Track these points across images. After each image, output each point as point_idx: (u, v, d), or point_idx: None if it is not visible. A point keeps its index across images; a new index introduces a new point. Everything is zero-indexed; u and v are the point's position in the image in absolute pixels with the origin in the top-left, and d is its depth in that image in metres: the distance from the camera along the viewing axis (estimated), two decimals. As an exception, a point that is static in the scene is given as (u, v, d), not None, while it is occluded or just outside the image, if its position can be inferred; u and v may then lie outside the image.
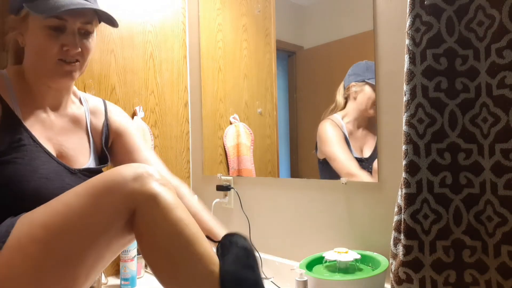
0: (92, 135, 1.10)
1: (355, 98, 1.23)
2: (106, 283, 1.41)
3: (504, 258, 0.78)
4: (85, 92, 1.46)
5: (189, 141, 1.81)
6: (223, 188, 1.56)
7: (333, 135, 1.29)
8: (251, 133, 1.58)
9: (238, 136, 1.61)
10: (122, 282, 1.37)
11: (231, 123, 1.63)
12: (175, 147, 1.76)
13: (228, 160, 1.63)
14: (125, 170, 0.82)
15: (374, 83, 1.16)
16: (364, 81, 1.20)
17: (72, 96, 1.08)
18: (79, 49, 0.96)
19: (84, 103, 1.12)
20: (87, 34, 0.99)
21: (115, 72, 1.56)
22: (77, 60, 0.98)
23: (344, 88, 1.26)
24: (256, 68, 1.55)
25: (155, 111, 1.69)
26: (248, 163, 1.58)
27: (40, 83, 0.98)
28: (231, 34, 1.64)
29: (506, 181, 0.77)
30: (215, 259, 0.81)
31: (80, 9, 0.94)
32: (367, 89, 1.19)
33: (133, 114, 1.60)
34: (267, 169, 1.51)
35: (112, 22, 1.03)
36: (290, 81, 1.44)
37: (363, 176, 1.20)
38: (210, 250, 0.82)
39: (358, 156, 1.23)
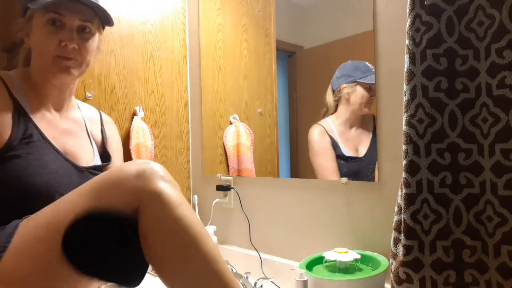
0: (92, 137, 1.13)
1: (347, 100, 1.23)
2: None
3: (504, 258, 0.78)
4: (85, 92, 1.46)
5: (189, 141, 1.81)
6: (223, 188, 1.56)
7: (318, 146, 1.30)
8: (251, 133, 1.58)
9: (238, 136, 1.61)
10: (122, 282, 1.37)
11: (231, 123, 1.63)
12: (175, 147, 1.76)
13: (228, 160, 1.63)
14: (128, 167, 0.81)
15: (365, 82, 1.18)
16: (355, 81, 1.21)
17: (72, 101, 1.12)
18: (76, 46, 0.98)
19: (81, 109, 1.16)
20: (87, 33, 1.01)
21: (115, 72, 1.56)
22: (75, 58, 0.99)
23: (334, 91, 1.26)
24: (256, 68, 1.55)
25: (155, 111, 1.69)
26: (248, 163, 1.58)
27: (44, 81, 1.01)
28: (231, 34, 1.64)
29: (506, 181, 0.77)
30: (220, 258, 0.80)
31: (77, 4, 0.97)
32: (359, 89, 1.20)
33: (133, 114, 1.60)
34: (267, 169, 1.51)
35: (107, 19, 1.05)
36: (290, 81, 1.44)
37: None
38: (214, 248, 0.81)
39: (353, 155, 1.22)
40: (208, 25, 1.72)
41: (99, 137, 1.16)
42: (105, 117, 1.23)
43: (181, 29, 1.80)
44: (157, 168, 0.82)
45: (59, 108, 1.06)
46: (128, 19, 1.61)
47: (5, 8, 1.58)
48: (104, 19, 1.06)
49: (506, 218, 0.77)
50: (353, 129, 1.23)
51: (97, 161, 1.10)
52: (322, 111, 1.29)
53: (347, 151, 1.24)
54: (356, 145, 1.22)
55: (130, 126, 1.56)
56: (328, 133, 1.27)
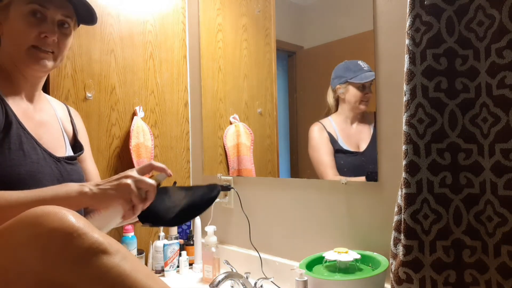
0: (63, 128, 1.14)
1: (343, 99, 1.27)
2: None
3: (504, 258, 0.78)
4: (85, 92, 1.46)
5: (189, 141, 1.81)
6: (223, 188, 1.55)
7: (316, 142, 1.33)
8: (251, 133, 1.58)
9: (238, 136, 1.61)
10: (122, 282, 1.37)
11: (231, 123, 1.63)
12: (175, 147, 1.76)
13: (228, 160, 1.63)
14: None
15: (356, 81, 1.21)
16: (346, 81, 1.24)
17: (41, 94, 1.12)
18: (56, 39, 0.99)
19: (50, 102, 1.16)
20: (66, 28, 1.03)
21: (115, 72, 1.56)
22: (52, 51, 1.00)
23: (332, 91, 1.29)
24: (256, 68, 1.55)
25: (155, 111, 1.69)
26: (248, 163, 1.58)
27: (16, 71, 1.01)
28: (231, 34, 1.64)
29: (506, 181, 0.77)
30: None
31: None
32: (351, 89, 1.24)
33: (133, 114, 1.60)
34: (267, 169, 1.51)
35: (91, 17, 1.06)
36: (290, 81, 1.44)
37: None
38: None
39: (354, 150, 1.24)
40: (208, 25, 1.72)
41: (70, 129, 1.17)
42: (72, 110, 1.24)
43: (181, 29, 1.80)
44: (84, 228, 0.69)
45: (31, 99, 1.06)
46: (128, 19, 1.61)
47: None
48: (85, 17, 1.07)
49: (506, 218, 0.77)
50: (354, 125, 1.26)
51: (70, 152, 1.11)
52: (324, 111, 1.31)
53: (347, 146, 1.26)
54: (358, 141, 1.24)
55: (130, 126, 1.56)
56: (327, 130, 1.30)
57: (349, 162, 1.25)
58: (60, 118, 1.15)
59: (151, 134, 1.62)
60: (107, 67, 1.54)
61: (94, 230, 0.67)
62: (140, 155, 1.55)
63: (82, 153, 1.16)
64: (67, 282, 0.64)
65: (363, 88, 1.21)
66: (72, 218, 0.66)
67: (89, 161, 1.22)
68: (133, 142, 1.53)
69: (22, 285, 0.65)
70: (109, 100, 1.54)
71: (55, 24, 0.99)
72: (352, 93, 1.24)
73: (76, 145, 1.16)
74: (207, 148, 1.72)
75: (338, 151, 1.27)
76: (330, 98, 1.30)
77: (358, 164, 1.23)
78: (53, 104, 1.17)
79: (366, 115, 1.22)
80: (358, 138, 1.24)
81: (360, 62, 1.20)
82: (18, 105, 0.99)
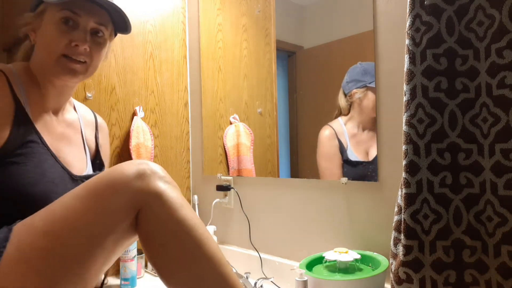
0: (86, 143, 1.09)
1: (360, 104, 1.20)
2: (106, 283, 1.41)
3: (504, 258, 0.78)
4: (85, 92, 1.46)
5: (189, 141, 1.81)
6: (223, 188, 1.56)
7: (326, 150, 1.27)
8: (251, 133, 1.58)
9: (238, 136, 1.61)
10: (122, 282, 1.37)
11: (231, 123, 1.63)
12: (175, 147, 1.76)
13: (228, 160, 1.63)
14: (128, 168, 0.79)
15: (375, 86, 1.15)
16: (365, 86, 1.17)
17: (69, 102, 1.08)
18: (87, 48, 0.94)
19: (77, 110, 1.11)
20: (99, 37, 0.97)
21: (115, 72, 1.56)
22: (84, 61, 0.95)
23: (345, 95, 1.23)
24: (256, 68, 1.55)
25: (155, 111, 1.69)
26: (248, 163, 1.58)
27: (45, 80, 0.96)
28: (231, 34, 1.64)
29: (506, 181, 0.77)
30: (224, 261, 0.79)
31: (95, 6, 0.93)
32: (370, 94, 1.16)
33: (133, 114, 1.60)
34: (267, 169, 1.51)
35: (125, 25, 1.01)
36: (290, 81, 1.44)
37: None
38: (219, 251, 0.79)
39: (362, 160, 1.20)
40: (208, 25, 1.72)
41: (93, 142, 1.12)
42: (100, 120, 1.19)
43: (181, 29, 1.80)
44: (157, 168, 0.80)
45: (57, 110, 1.02)
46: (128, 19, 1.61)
47: (5, 7, 1.58)
48: (121, 25, 1.02)
49: (506, 218, 0.77)
50: (366, 131, 1.20)
51: (89, 170, 1.06)
52: (335, 113, 1.26)
53: (355, 156, 1.21)
54: (367, 148, 1.19)
55: (130, 126, 1.56)
56: (338, 137, 1.24)
57: (356, 172, 1.21)
58: (84, 131, 1.09)
59: (151, 134, 1.62)
60: (107, 67, 1.53)
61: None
62: (140, 155, 1.55)
63: (102, 171, 1.08)
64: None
65: None
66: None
67: None
68: (133, 142, 1.53)
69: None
70: (109, 100, 1.54)
71: (87, 32, 0.94)
72: (371, 99, 1.16)
73: (96, 162, 1.11)
74: (207, 148, 1.72)
75: (346, 161, 1.23)
76: (343, 102, 1.23)
77: (364, 174, 1.19)
78: (81, 112, 1.12)
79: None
80: (368, 145, 1.19)
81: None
82: (41, 118, 0.94)
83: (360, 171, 1.20)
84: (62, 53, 0.92)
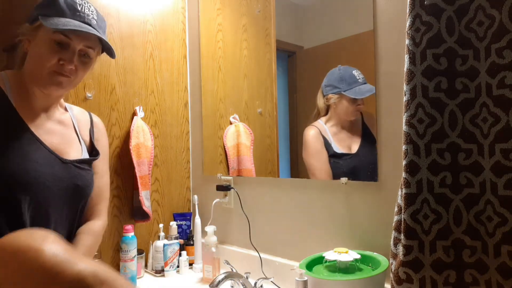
0: (80, 134, 1.16)
1: (335, 109, 1.26)
2: None
3: (504, 258, 0.78)
4: (85, 92, 1.46)
5: (189, 141, 1.81)
6: (223, 188, 1.56)
7: (312, 148, 1.32)
8: (251, 133, 1.58)
9: (238, 136, 1.61)
10: (122, 282, 1.37)
11: (231, 123, 1.63)
12: (175, 147, 1.76)
13: (228, 160, 1.63)
14: None
15: (349, 95, 1.21)
16: (340, 93, 1.23)
17: (59, 104, 1.15)
18: (73, 67, 1.03)
19: (69, 111, 1.18)
20: (86, 57, 1.06)
21: (115, 72, 1.56)
22: (70, 76, 1.04)
23: (324, 96, 1.28)
24: (256, 68, 1.55)
25: (155, 111, 1.69)
26: (248, 163, 1.58)
27: (34, 88, 1.05)
28: (231, 34, 1.64)
29: (506, 181, 0.77)
30: None
31: (85, 33, 1.02)
32: (344, 102, 1.23)
33: (133, 114, 1.60)
34: (267, 169, 1.51)
35: (111, 52, 1.12)
36: (290, 81, 1.44)
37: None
38: None
39: (347, 152, 1.25)
40: (208, 25, 1.72)
41: (87, 136, 1.19)
42: (95, 119, 1.25)
43: (181, 29, 1.80)
44: None
45: (45, 110, 1.08)
46: (128, 19, 1.61)
47: (4, 9, 1.58)
48: (107, 51, 1.12)
49: (506, 218, 0.77)
50: (345, 131, 1.26)
51: (85, 155, 1.13)
52: (314, 113, 1.31)
53: (340, 150, 1.26)
54: (350, 144, 1.24)
55: (130, 126, 1.56)
56: (322, 134, 1.30)
57: (346, 165, 1.25)
58: (77, 126, 1.16)
59: (151, 134, 1.62)
60: (107, 67, 1.54)
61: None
62: (140, 155, 1.55)
63: (97, 158, 1.16)
64: None
65: (355, 101, 1.21)
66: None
67: (98, 175, 1.18)
68: (133, 142, 1.53)
69: None
70: (109, 100, 1.54)
71: (75, 53, 1.03)
72: (344, 106, 1.23)
73: (92, 153, 1.17)
74: (207, 148, 1.72)
75: (332, 155, 1.27)
76: (321, 102, 1.29)
77: (354, 165, 1.22)
78: (74, 112, 1.19)
79: (355, 124, 1.22)
80: (349, 142, 1.24)
81: (355, 72, 1.19)
82: (28, 115, 1.02)
83: (346, 163, 1.24)
84: (52, 70, 1.01)
